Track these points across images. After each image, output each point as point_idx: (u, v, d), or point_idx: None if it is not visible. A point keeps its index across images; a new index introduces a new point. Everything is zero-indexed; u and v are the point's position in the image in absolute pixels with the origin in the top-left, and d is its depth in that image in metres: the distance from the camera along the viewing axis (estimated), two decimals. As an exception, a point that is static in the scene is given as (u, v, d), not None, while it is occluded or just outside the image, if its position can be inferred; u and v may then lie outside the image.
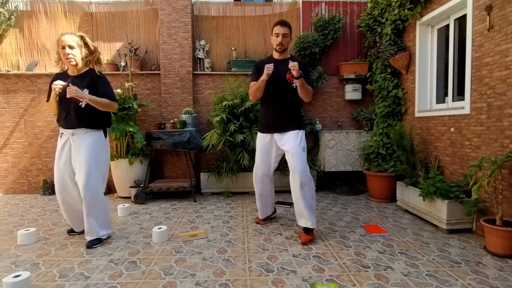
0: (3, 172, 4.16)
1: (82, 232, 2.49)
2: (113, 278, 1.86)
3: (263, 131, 2.60)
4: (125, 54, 4.10)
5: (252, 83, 2.51)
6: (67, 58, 2.23)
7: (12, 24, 4.04)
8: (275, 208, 2.97)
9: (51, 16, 4.15)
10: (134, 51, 4.09)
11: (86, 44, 2.33)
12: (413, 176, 3.20)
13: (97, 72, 2.38)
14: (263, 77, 2.33)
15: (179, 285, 1.78)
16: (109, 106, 2.36)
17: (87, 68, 2.37)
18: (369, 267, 1.98)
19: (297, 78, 2.28)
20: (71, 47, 2.23)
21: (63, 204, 2.41)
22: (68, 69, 2.37)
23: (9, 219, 3.04)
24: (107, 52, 4.25)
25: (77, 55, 2.26)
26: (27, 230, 2.46)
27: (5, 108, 4.11)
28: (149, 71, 4.20)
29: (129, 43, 4.08)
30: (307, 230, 2.42)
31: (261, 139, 2.60)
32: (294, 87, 2.40)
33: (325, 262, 2.06)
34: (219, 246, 2.33)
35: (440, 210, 2.58)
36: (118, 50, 4.22)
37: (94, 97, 2.25)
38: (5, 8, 4.00)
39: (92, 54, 2.36)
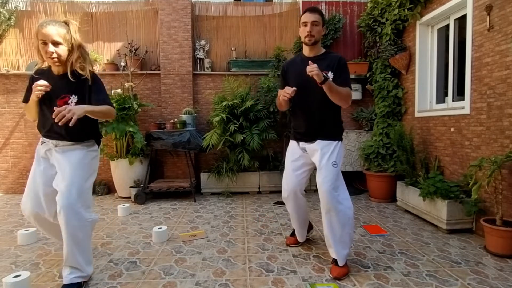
0: (3, 172, 4.16)
1: None
2: (113, 278, 1.86)
3: (293, 138, 2.20)
4: (125, 54, 4.11)
5: (279, 92, 2.05)
6: (50, 57, 1.68)
7: (12, 24, 4.05)
8: (311, 224, 2.49)
9: (51, 16, 4.14)
10: (134, 51, 4.09)
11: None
12: (413, 176, 3.20)
13: (88, 71, 1.79)
14: (281, 98, 1.95)
15: (179, 285, 1.78)
16: (108, 114, 1.81)
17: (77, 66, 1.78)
18: (369, 267, 1.97)
19: (321, 83, 1.80)
20: (55, 44, 1.65)
21: (43, 229, 1.93)
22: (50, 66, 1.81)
23: (9, 219, 3.04)
24: (107, 52, 4.25)
25: (63, 53, 1.69)
26: (27, 230, 2.46)
27: (5, 108, 4.11)
28: (149, 71, 4.20)
29: (129, 43, 4.08)
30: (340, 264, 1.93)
31: (291, 148, 2.21)
32: None
33: (325, 262, 2.06)
34: (219, 246, 2.33)
35: (440, 210, 2.58)
36: (118, 50, 4.22)
37: (91, 108, 1.70)
38: (5, 8, 4.00)
39: (73, 52, 1.73)
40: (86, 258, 1.78)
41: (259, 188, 4.05)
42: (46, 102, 1.74)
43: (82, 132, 1.83)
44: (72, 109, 1.56)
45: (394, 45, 3.62)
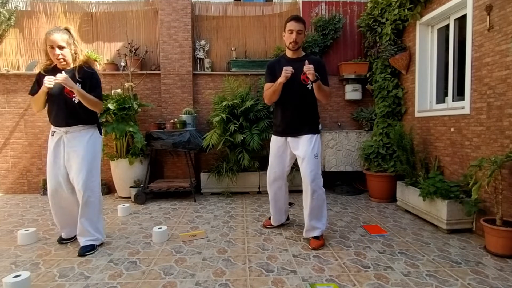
0: (3, 172, 4.16)
1: (73, 239, 2.40)
2: (113, 278, 1.86)
3: (276, 134, 2.50)
4: (125, 54, 4.11)
5: (267, 85, 2.38)
6: (57, 59, 2.12)
7: (12, 24, 4.05)
8: (288, 216, 2.84)
9: (51, 16, 4.15)
10: (134, 51, 4.09)
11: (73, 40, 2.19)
12: (413, 176, 3.20)
13: (89, 68, 2.25)
14: (281, 79, 2.19)
15: (179, 285, 1.78)
16: (96, 104, 2.20)
17: (78, 64, 2.22)
18: (369, 267, 1.97)
19: (313, 81, 2.15)
20: (61, 48, 2.10)
21: (55, 208, 2.28)
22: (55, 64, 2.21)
23: (9, 219, 3.04)
24: (107, 52, 4.25)
25: (68, 54, 2.15)
26: (27, 230, 2.45)
27: (5, 108, 4.11)
28: (149, 71, 4.20)
29: (129, 43, 4.08)
30: (317, 236, 2.33)
31: (275, 142, 2.51)
32: (310, 88, 2.27)
33: (325, 262, 2.06)
34: (219, 246, 2.33)
35: (440, 210, 2.58)
36: (118, 50, 4.22)
37: (83, 91, 2.11)
38: (5, 8, 4.00)
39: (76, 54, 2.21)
40: (95, 227, 2.27)
41: (259, 188, 4.05)
42: (55, 93, 2.13)
43: (86, 116, 2.22)
44: (67, 77, 2.04)
45: (394, 45, 3.62)
